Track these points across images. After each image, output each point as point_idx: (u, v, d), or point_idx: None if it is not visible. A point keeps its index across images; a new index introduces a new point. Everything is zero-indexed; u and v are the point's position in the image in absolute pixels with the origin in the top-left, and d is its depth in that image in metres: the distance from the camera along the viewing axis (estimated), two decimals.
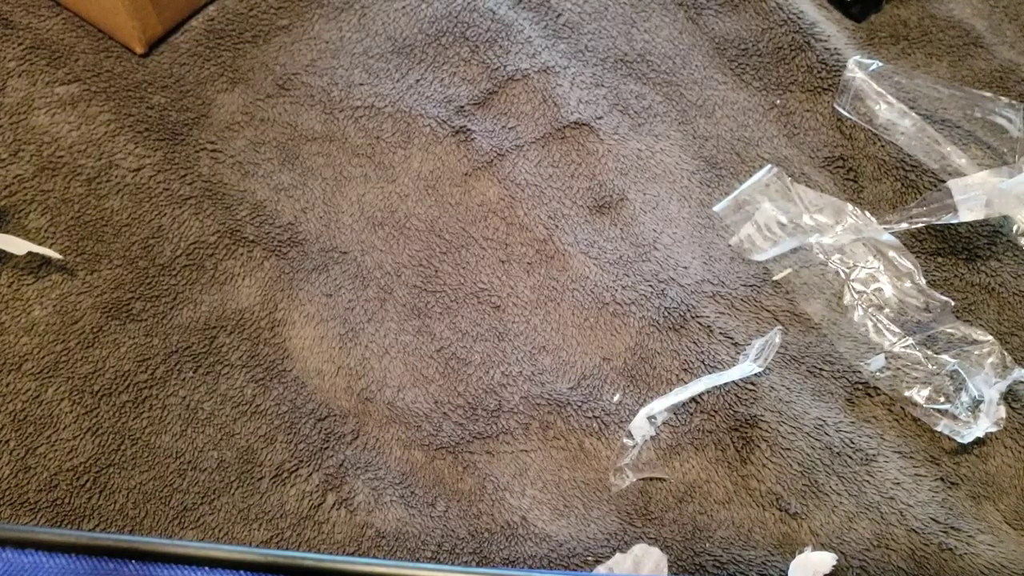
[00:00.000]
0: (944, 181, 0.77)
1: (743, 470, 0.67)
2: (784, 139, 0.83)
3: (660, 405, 0.68)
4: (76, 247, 0.73)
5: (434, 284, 0.74)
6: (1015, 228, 0.78)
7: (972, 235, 0.78)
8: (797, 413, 0.69)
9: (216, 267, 0.73)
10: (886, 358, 0.71)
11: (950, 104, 0.83)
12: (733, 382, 0.70)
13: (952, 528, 0.66)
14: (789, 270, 0.76)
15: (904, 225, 0.76)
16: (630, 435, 0.68)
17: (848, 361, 0.72)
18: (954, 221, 0.73)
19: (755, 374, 0.70)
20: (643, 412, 0.68)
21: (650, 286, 0.74)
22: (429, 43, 0.84)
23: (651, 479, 0.67)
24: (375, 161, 0.79)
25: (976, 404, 0.69)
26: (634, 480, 0.67)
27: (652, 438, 0.68)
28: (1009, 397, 0.70)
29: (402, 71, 0.83)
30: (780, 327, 0.72)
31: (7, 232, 0.72)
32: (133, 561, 0.44)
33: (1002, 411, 0.69)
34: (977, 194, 0.72)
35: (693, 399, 0.69)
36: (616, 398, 0.70)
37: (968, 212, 0.72)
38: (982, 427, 0.68)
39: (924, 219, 0.75)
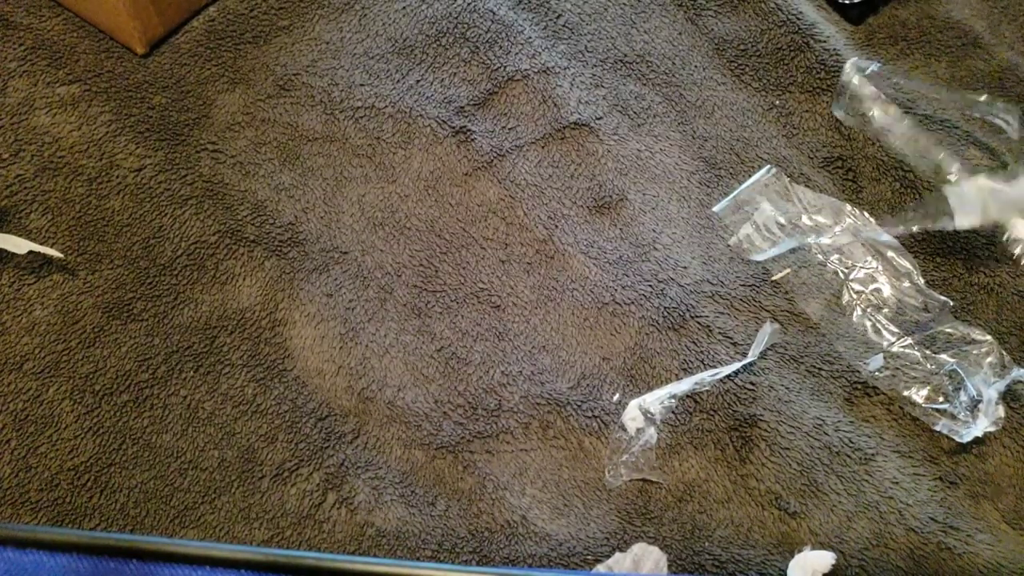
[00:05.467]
0: (941, 183, 0.77)
1: (742, 469, 0.68)
2: (783, 139, 0.83)
3: (652, 397, 0.68)
4: (77, 247, 0.73)
5: (434, 284, 0.74)
6: (1005, 236, 0.77)
7: (971, 235, 0.78)
8: (796, 412, 0.70)
9: (217, 267, 0.74)
10: (885, 358, 0.71)
11: (948, 105, 0.83)
12: (732, 381, 0.70)
13: (951, 527, 0.66)
14: (788, 270, 0.76)
15: (901, 229, 0.76)
16: (623, 427, 0.68)
17: (847, 361, 0.72)
18: (950, 228, 0.73)
19: (752, 371, 0.70)
20: (634, 403, 0.68)
21: (649, 286, 0.74)
22: (429, 44, 0.84)
23: (647, 481, 0.67)
24: (375, 161, 0.79)
25: (975, 404, 0.69)
26: (628, 479, 0.67)
27: (651, 438, 0.68)
28: (1008, 397, 0.71)
29: (402, 72, 0.83)
30: (771, 319, 0.72)
31: (8, 232, 0.73)
32: (134, 560, 0.44)
33: (1001, 411, 0.69)
34: (973, 200, 0.72)
35: (692, 398, 0.70)
36: (616, 398, 0.70)
37: (964, 219, 0.73)
38: (981, 427, 0.68)
39: (920, 224, 0.75)
